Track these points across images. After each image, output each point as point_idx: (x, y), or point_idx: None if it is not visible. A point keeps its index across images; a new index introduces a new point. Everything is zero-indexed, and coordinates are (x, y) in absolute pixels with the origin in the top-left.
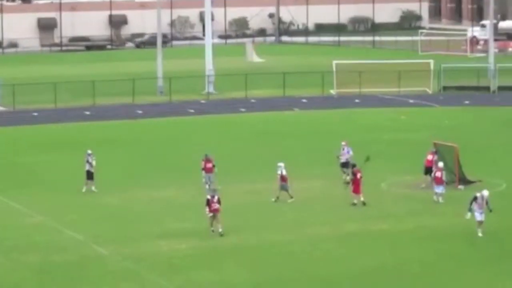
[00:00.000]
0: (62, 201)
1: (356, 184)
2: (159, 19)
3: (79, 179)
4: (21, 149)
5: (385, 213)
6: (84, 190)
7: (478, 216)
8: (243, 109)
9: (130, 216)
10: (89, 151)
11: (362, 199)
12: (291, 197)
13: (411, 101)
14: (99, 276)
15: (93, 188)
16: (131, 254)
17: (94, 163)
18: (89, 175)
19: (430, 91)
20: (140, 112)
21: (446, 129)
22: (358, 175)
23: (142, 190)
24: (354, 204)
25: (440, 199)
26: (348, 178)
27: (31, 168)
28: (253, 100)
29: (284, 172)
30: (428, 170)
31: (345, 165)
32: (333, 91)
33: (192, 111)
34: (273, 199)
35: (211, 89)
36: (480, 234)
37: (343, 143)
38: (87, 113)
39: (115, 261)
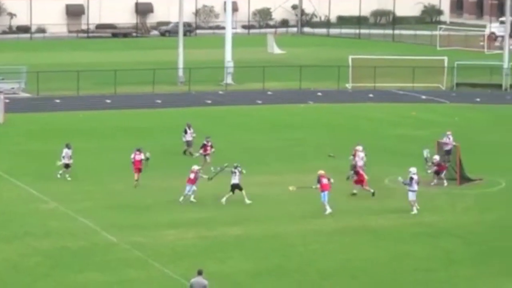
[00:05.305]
0: (76, 188)
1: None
2: (181, 9)
3: (94, 167)
4: (40, 135)
5: (385, 208)
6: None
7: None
8: (259, 101)
9: (140, 205)
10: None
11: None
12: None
13: (423, 97)
14: (106, 262)
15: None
16: (139, 242)
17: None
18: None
19: (443, 88)
20: (159, 101)
21: (455, 126)
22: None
23: (151, 179)
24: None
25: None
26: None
27: (48, 155)
28: (269, 92)
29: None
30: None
31: (448, 152)
32: (348, 85)
33: (209, 102)
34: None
35: (230, 80)
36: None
37: (448, 132)
38: (108, 101)
39: (123, 249)
